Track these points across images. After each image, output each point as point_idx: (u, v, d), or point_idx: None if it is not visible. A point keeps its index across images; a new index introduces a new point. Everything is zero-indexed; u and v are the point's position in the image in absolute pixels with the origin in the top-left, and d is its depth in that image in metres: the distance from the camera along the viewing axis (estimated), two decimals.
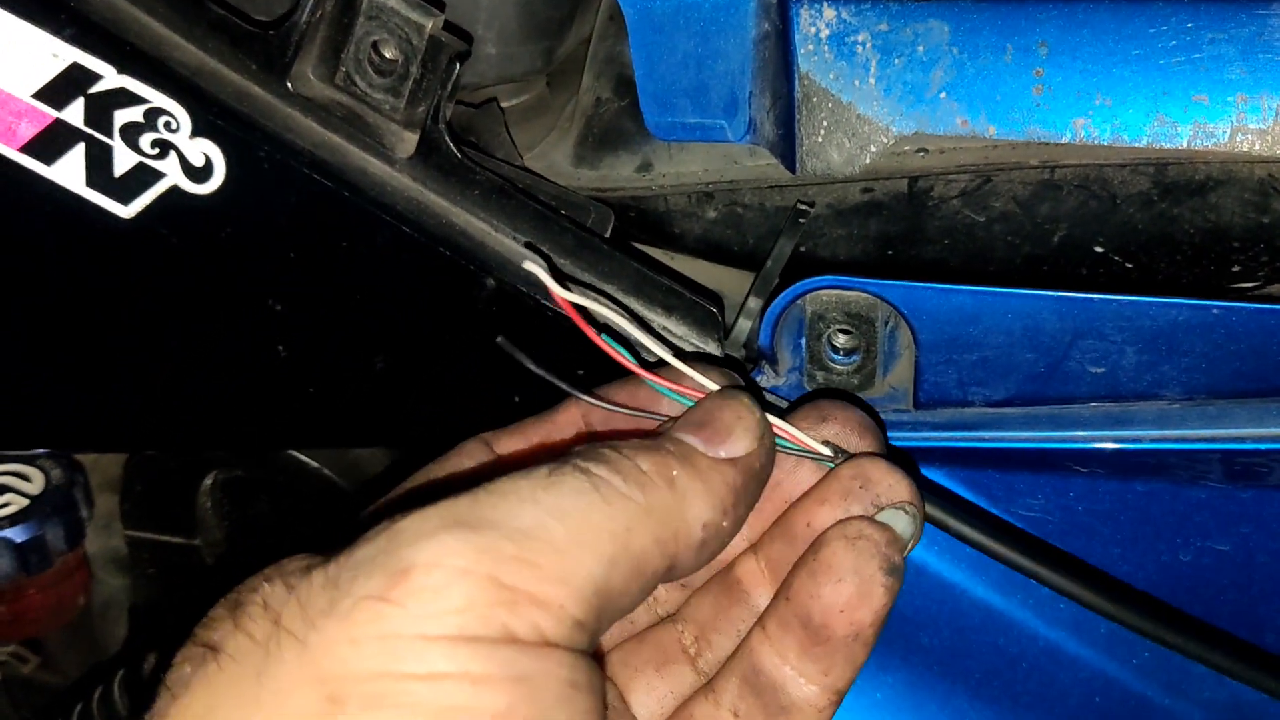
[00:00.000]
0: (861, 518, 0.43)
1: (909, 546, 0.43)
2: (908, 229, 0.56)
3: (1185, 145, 0.46)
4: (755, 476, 0.42)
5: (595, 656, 0.37)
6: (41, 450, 0.79)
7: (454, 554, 0.34)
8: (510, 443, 0.50)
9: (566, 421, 0.51)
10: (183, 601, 0.81)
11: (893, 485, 0.44)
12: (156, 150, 0.52)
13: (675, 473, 0.39)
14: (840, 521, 0.43)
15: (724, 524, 0.40)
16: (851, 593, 0.41)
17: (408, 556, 0.34)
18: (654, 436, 0.42)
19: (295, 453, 0.72)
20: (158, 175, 0.52)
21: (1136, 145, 0.46)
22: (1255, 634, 0.55)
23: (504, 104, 0.65)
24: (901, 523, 0.43)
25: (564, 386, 0.48)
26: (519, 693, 0.33)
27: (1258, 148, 0.45)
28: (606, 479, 0.37)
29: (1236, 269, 0.53)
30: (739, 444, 0.42)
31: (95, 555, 0.86)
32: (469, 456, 0.48)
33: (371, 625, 0.33)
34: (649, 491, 0.38)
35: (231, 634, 0.36)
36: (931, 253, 0.57)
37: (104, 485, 0.85)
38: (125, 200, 0.52)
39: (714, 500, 0.40)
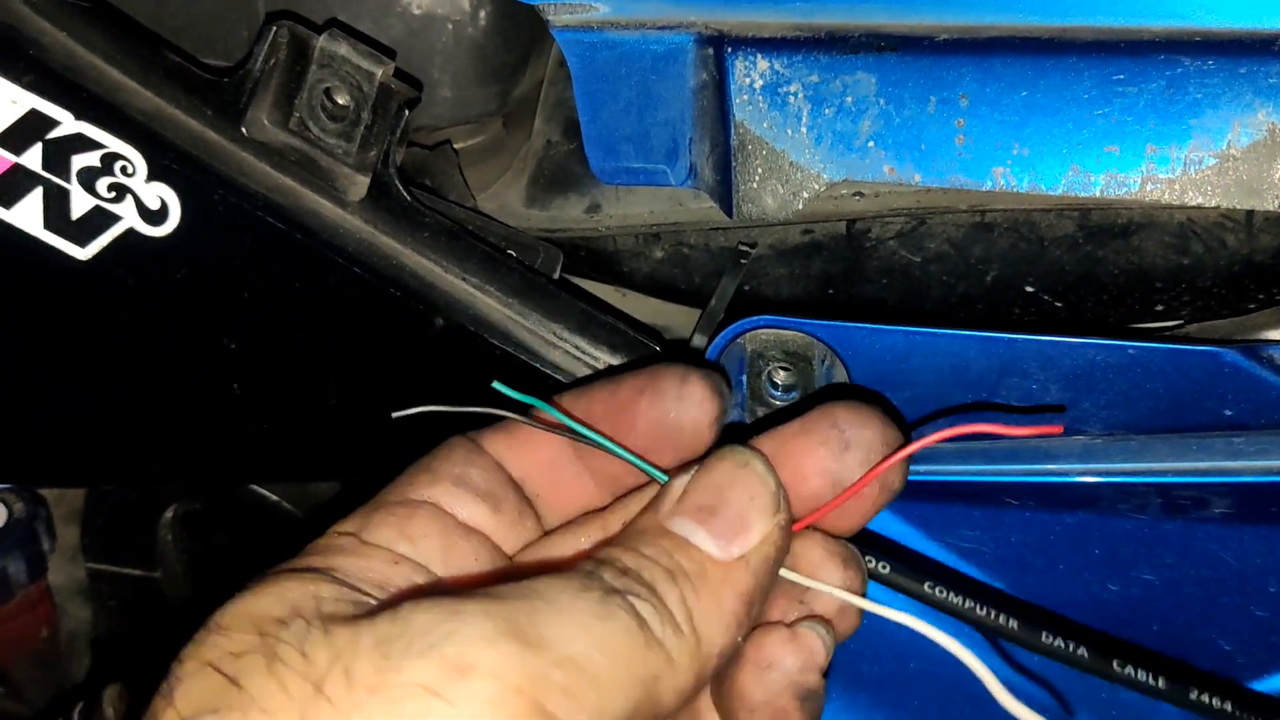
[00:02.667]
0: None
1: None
2: (847, 268, 0.58)
3: (1099, 194, 0.48)
4: (770, 570, 0.41)
5: None
6: (2, 484, 0.80)
7: (510, 669, 0.34)
8: (498, 441, 0.47)
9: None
10: (143, 634, 0.82)
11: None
12: (113, 194, 0.53)
13: (693, 610, 0.39)
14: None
15: (739, 640, 0.40)
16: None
17: (469, 654, 0.34)
18: (661, 518, 0.41)
19: (254, 486, 0.73)
20: (114, 218, 0.53)
21: (1053, 194, 0.48)
22: (1182, 661, 0.57)
23: (459, 145, 0.66)
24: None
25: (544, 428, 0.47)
26: None
27: (1167, 197, 0.47)
28: (648, 620, 0.37)
29: (1160, 308, 0.55)
30: (752, 534, 0.40)
31: (60, 586, 0.87)
32: (457, 458, 0.46)
33: (415, 718, 0.33)
34: (678, 639, 0.38)
35: (263, 678, 0.35)
36: (871, 291, 0.59)
37: (69, 517, 0.86)
38: (83, 242, 0.53)
39: (727, 626, 0.40)
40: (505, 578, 0.39)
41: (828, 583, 0.44)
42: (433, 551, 0.43)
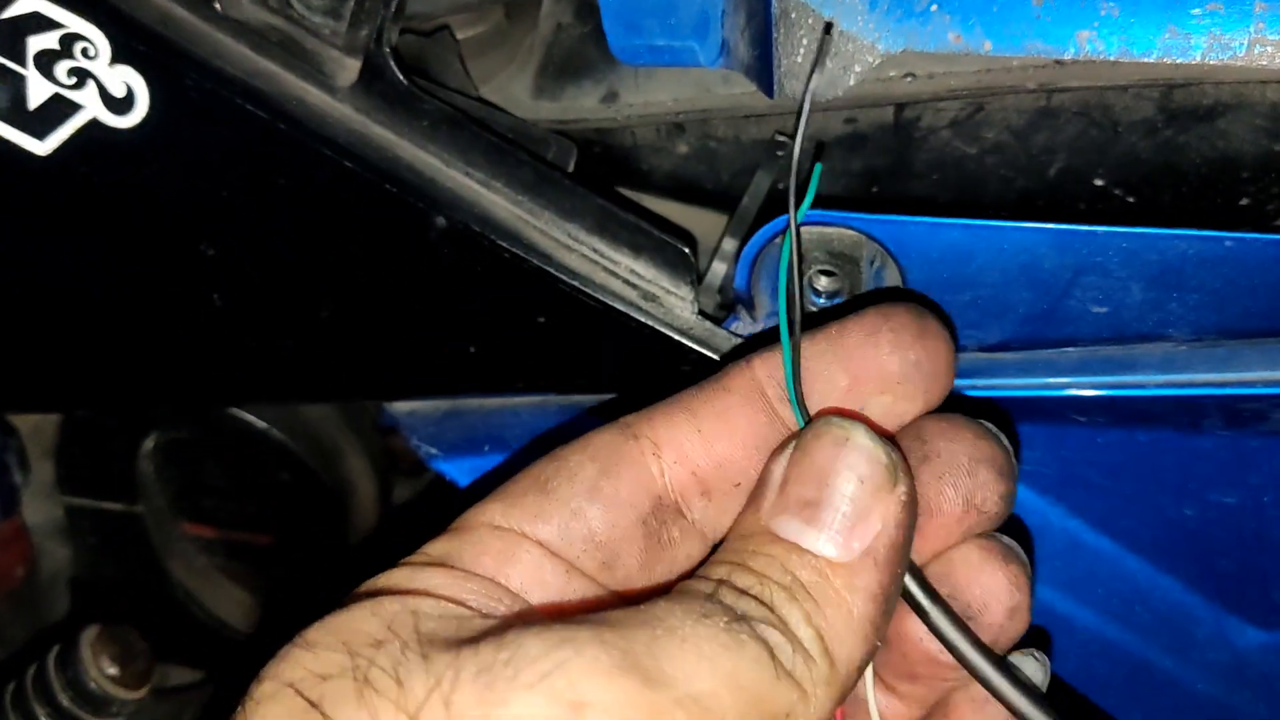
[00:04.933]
0: None
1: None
2: (893, 163, 0.53)
3: (1199, 60, 0.42)
4: (900, 556, 0.37)
5: None
6: None
7: (628, 707, 0.31)
8: (661, 427, 0.41)
9: (740, 386, 0.42)
10: (125, 571, 0.77)
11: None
12: (74, 80, 0.48)
13: (823, 629, 0.35)
14: None
15: (876, 645, 0.36)
16: None
17: (583, 689, 0.31)
18: (764, 518, 0.37)
19: (240, 412, 0.68)
20: (75, 107, 0.48)
21: (1145, 60, 0.43)
22: (1261, 590, 0.52)
23: (459, 35, 0.61)
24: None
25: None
26: None
27: (1278, 60, 0.41)
28: (777, 650, 0.34)
29: (1245, 201, 0.50)
30: (871, 523, 0.36)
31: (37, 525, 0.83)
32: (599, 458, 0.40)
33: None
34: (809, 668, 0.34)
35: (351, 707, 0.32)
36: (919, 188, 0.53)
37: (46, 453, 0.82)
38: (41, 135, 0.49)
39: (863, 637, 0.36)
40: (616, 602, 0.36)
41: (989, 584, 0.40)
42: (532, 582, 0.38)
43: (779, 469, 0.38)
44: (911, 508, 0.37)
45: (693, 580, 0.36)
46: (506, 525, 0.39)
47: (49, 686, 0.68)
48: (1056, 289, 0.46)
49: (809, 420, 0.39)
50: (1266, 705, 0.54)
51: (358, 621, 0.35)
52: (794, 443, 0.38)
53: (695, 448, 0.41)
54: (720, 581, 0.35)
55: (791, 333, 0.40)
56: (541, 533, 0.39)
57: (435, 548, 0.39)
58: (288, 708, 0.33)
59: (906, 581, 0.38)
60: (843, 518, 0.36)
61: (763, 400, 0.41)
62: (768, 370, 0.41)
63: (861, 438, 0.37)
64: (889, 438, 0.38)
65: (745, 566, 0.36)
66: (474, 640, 0.33)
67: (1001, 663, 0.39)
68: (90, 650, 0.68)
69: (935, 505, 0.41)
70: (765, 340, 0.46)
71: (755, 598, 0.35)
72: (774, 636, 0.34)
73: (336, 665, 0.33)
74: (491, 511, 0.40)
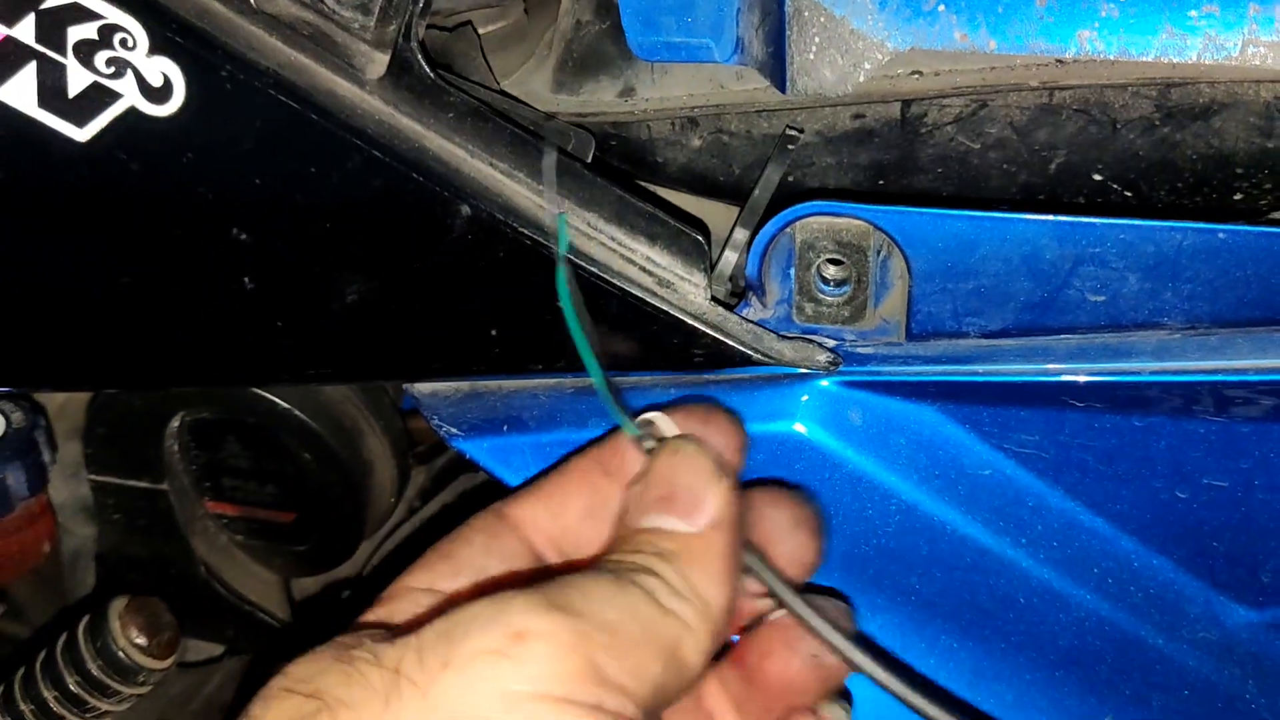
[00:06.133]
0: None
1: None
2: (900, 157, 0.54)
3: (1195, 59, 0.44)
4: (735, 524, 0.45)
5: None
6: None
7: (561, 631, 0.38)
8: (522, 508, 0.51)
9: (575, 470, 0.51)
10: (150, 548, 0.79)
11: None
12: (112, 69, 0.49)
13: (692, 578, 0.43)
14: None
15: (734, 589, 0.44)
16: None
17: (521, 622, 0.38)
18: (629, 522, 0.46)
19: (265, 393, 0.69)
20: (114, 96, 0.50)
21: (1143, 59, 0.44)
22: (1250, 571, 0.54)
23: (480, 31, 0.62)
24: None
25: (614, 412, 0.48)
26: None
27: (1269, 61, 0.43)
28: (656, 593, 0.42)
29: (1239, 197, 0.52)
30: (709, 503, 0.45)
31: (62, 505, 0.84)
32: (483, 531, 0.50)
33: (490, 681, 0.37)
34: (686, 605, 0.42)
35: (345, 684, 0.38)
36: (923, 182, 0.55)
37: (71, 433, 0.83)
38: (80, 122, 0.50)
39: (722, 582, 0.44)
40: (535, 576, 0.44)
41: (788, 546, 0.50)
42: None
43: (634, 493, 0.47)
44: (736, 492, 0.46)
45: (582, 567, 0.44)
46: (426, 586, 0.47)
47: (78, 655, 0.70)
48: (1056, 278, 0.47)
49: (638, 428, 0.48)
50: (1255, 682, 0.56)
51: (324, 650, 0.41)
52: (638, 474, 0.47)
53: (545, 520, 0.50)
54: (603, 563, 0.44)
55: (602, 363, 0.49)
56: (455, 586, 0.47)
57: (370, 614, 0.47)
58: (286, 704, 0.39)
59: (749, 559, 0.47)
60: (687, 502, 0.45)
61: (589, 479, 0.50)
62: (596, 454, 0.51)
63: (690, 446, 0.47)
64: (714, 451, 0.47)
65: (622, 551, 0.44)
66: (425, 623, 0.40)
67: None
68: (119, 620, 0.70)
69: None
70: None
71: (633, 565, 0.43)
72: (653, 583, 0.42)
73: (321, 665, 0.40)
74: (412, 578, 0.48)
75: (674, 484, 0.45)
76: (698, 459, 0.46)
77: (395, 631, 0.42)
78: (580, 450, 0.51)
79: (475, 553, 0.48)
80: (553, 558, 0.50)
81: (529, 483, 0.51)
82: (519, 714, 0.37)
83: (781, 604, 0.47)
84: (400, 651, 0.39)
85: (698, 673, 0.42)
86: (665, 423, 0.48)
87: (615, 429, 0.50)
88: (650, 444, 0.47)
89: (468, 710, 0.37)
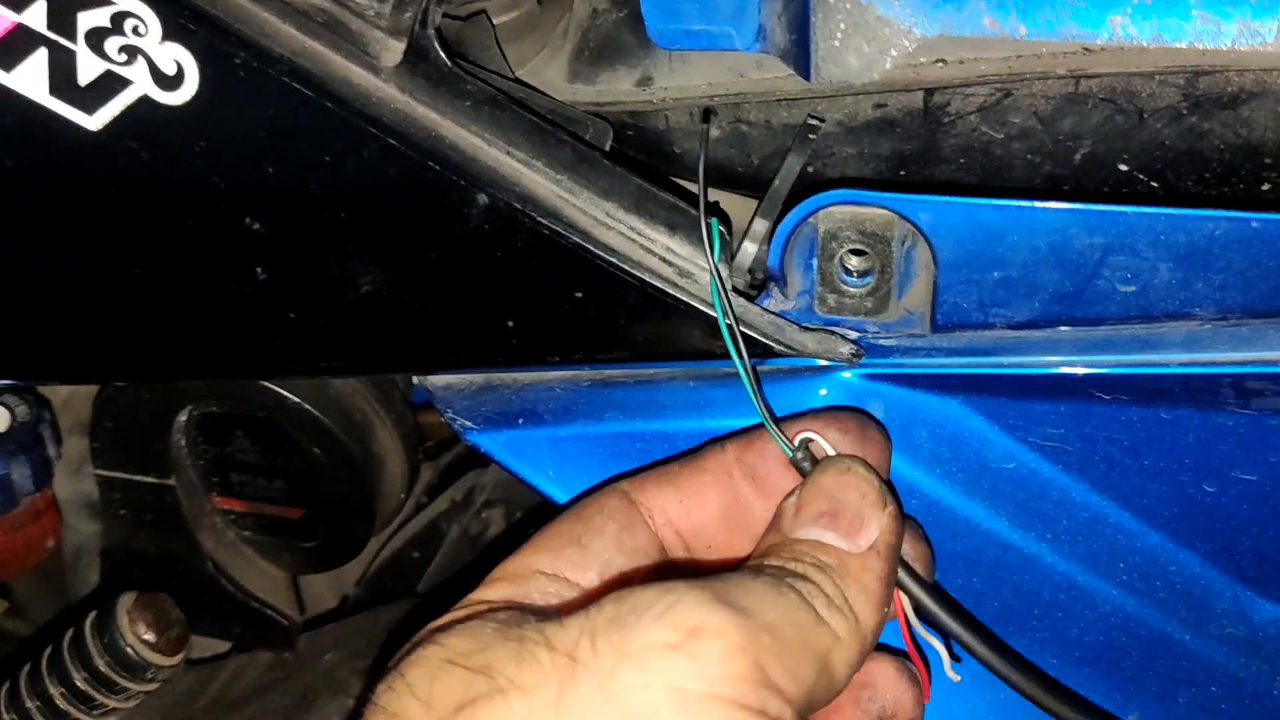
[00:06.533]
0: None
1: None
2: (922, 147, 0.54)
3: (1229, 45, 0.43)
4: (895, 553, 0.46)
5: None
6: (4, 383, 0.76)
7: (731, 629, 0.38)
8: (653, 497, 0.50)
9: (714, 468, 0.50)
10: (157, 544, 0.78)
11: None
12: (124, 57, 0.49)
13: (848, 595, 0.43)
14: None
15: (885, 613, 0.45)
16: None
17: (695, 617, 0.38)
18: (786, 531, 0.46)
19: (274, 387, 0.69)
20: (125, 83, 0.49)
21: (1176, 46, 0.44)
22: (1278, 565, 0.53)
23: (495, 20, 0.61)
24: None
25: (773, 431, 0.48)
26: None
27: None
28: (814, 601, 0.42)
29: (1267, 187, 0.51)
30: (873, 527, 0.45)
31: (66, 501, 0.83)
32: (615, 520, 0.49)
33: (664, 674, 0.37)
34: (840, 618, 0.42)
35: (515, 663, 0.38)
36: (946, 173, 0.54)
37: (74, 429, 0.82)
38: (91, 110, 0.49)
39: (876, 604, 0.44)
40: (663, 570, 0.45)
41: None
42: None
43: (790, 503, 0.47)
44: (899, 519, 0.46)
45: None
46: (553, 572, 0.47)
47: (85, 651, 0.69)
48: (1085, 269, 0.47)
49: (793, 448, 0.48)
50: None
51: (479, 619, 0.41)
52: (799, 487, 0.47)
53: (678, 515, 0.50)
54: (761, 566, 0.43)
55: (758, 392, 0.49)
56: (583, 579, 0.47)
57: (493, 592, 0.45)
58: (456, 678, 0.39)
59: (900, 575, 0.48)
60: (851, 522, 0.45)
61: (730, 480, 0.50)
62: (737, 454, 0.50)
63: (860, 468, 0.47)
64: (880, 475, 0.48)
65: (778, 557, 0.44)
66: (590, 604, 0.40)
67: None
68: (127, 616, 0.70)
69: None
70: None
71: (791, 573, 0.43)
72: (810, 591, 0.42)
73: (484, 640, 0.40)
74: (539, 561, 0.47)
75: (839, 501, 0.46)
76: (866, 482, 0.46)
77: (544, 612, 0.42)
78: (716, 443, 0.51)
79: (607, 544, 0.48)
80: (679, 554, 0.50)
81: (659, 466, 0.51)
82: (692, 714, 0.37)
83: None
84: (574, 636, 0.39)
85: (843, 686, 0.43)
86: (824, 444, 0.48)
87: (759, 428, 0.49)
88: (808, 465, 0.47)
89: (642, 705, 0.37)
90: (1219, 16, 0.43)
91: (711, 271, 0.50)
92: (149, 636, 0.70)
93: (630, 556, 0.48)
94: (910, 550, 0.50)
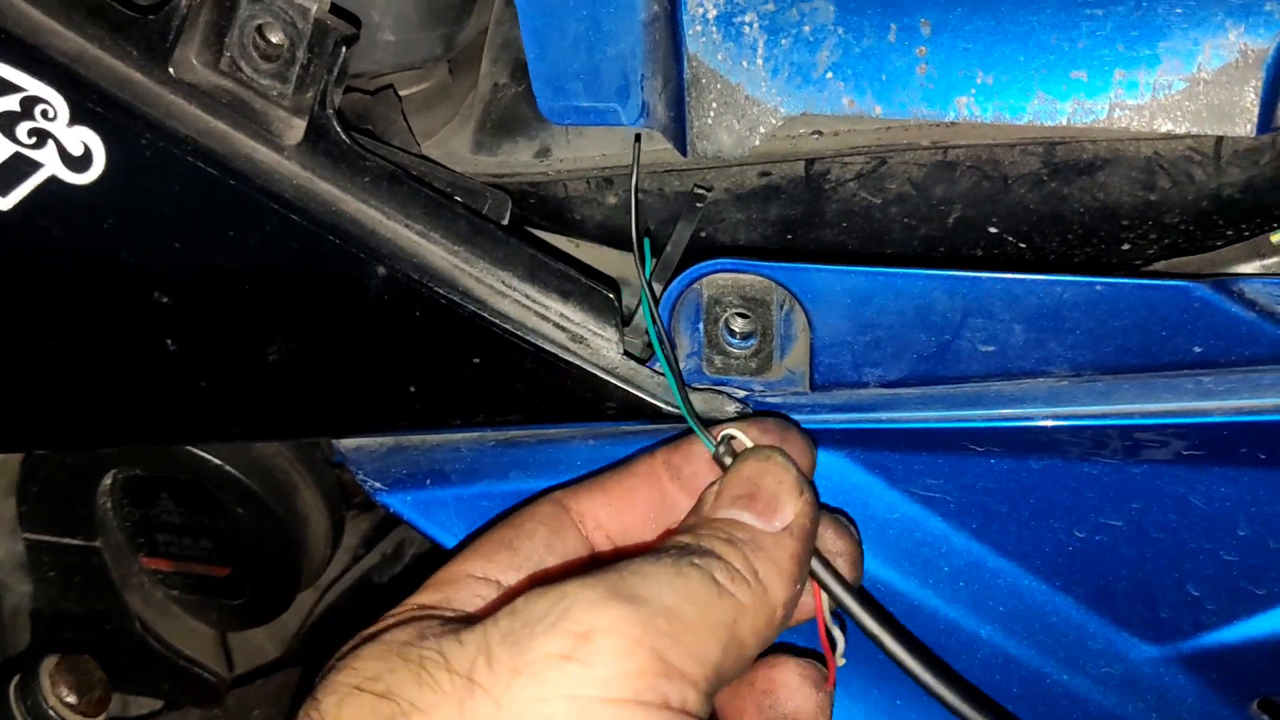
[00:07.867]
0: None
1: None
2: (806, 212, 0.56)
3: (1065, 123, 0.46)
4: (809, 535, 0.47)
5: None
6: None
7: (624, 623, 0.40)
8: (584, 502, 0.52)
9: (642, 471, 0.52)
10: (85, 605, 0.79)
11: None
12: (34, 140, 0.51)
13: (756, 566, 0.44)
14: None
15: (798, 589, 0.46)
16: None
17: (586, 620, 0.40)
18: (705, 513, 0.47)
19: (196, 450, 0.70)
20: (35, 165, 0.51)
21: (1019, 123, 0.47)
22: (1149, 607, 0.56)
23: (404, 91, 0.64)
24: None
25: (695, 426, 0.51)
26: None
27: (1135, 124, 0.45)
28: (717, 575, 0.43)
29: (1126, 247, 0.54)
30: (789, 509, 0.47)
31: (1, 562, 0.84)
32: (545, 524, 0.50)
33: (559, 685, 0.39)
34: (746, 588, 0.43)
35: (413, 685, 0.40)
36: (830, 236, 0.57)
37: (5, 489, 0.83)
38: (3, 191, 0.51)
39: (787, 579, 0.45)
40: (589, 566, 0.45)
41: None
42: None
43: (712, 490, 0.48)
44: (815, 506, 0.48)
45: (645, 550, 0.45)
46: (484, 575, 0.48)
47: (10, 715, 0.70)
48: (948, 330, 0.49)
49: (712, 438, 0.50)
50: (1158, 715, 0.58)
51: (390, 636, 0.43)
52: (721, 477, 0.49)
53: (608, 518, 0.51)
54: (670, 546, 0.45)
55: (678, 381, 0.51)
56: (513, 581, 0.48)
57: (427, 596, 0.47)
58: (363, 703, 0.40)
59: (815, 567, 0.49)
60: (767, 505, 0.47)
61: (657, 481, 0.51)
62: (665, 456, 0.52)
63: (779, 458, 0.48)
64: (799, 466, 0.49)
65: (689, 535, 0.45)
66: (488, 617, 0.41)
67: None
68: (49, 679, 0.70)
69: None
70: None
71: (699, 548, 0.44)
72: (715, 565, 0.43)
73: (388, 665, 0.41)
74: (471, 565, 0.48)
75: (757, 485, 0.47)
76: (784, 469, 0.47)
77: (455, 623, 0.43)
78: (647, 451, 0.53)
79: (537, 546, 0.49)
80: (610, 555, 0.51)
81: (591, 476, 0.53)
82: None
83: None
84: (470, 654, 0.40)
85: (754, 654, 0.44)
86: (745, 439, 0.50)
87: (687, 434, 0.51)
88: (729, 460, 0.49)
89: (540, 718, 0.38)
90: (1055, 97, 0.46)
91: (643, 286, 0.52)
92: (70, 699, 0.71)
93: (560, 559, 0.49)
94: (836, 545, 0.51)
